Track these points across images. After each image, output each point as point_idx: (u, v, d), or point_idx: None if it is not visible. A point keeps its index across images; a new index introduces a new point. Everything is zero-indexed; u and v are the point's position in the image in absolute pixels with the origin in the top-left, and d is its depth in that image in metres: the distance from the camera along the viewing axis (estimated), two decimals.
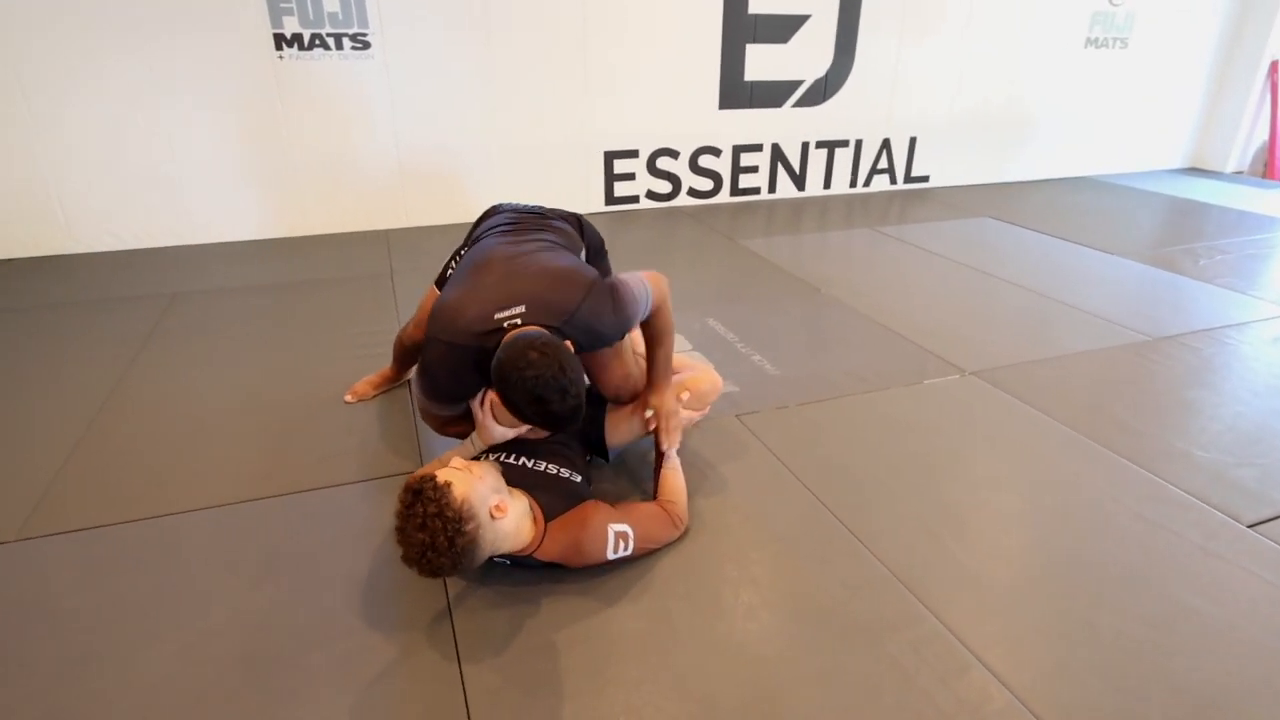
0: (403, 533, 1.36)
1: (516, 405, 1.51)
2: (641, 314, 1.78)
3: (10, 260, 3.83)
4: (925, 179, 5.82)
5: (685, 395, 1.96)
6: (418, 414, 2.32)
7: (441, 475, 1.41)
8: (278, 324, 3.10)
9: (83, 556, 1.73)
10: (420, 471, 1.55)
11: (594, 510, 1.63)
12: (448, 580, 1.65)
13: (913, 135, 5.60)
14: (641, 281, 1.77)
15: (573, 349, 1.62)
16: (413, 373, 2.13)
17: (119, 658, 1.45)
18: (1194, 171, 6.66)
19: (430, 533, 1.33)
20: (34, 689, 1.38)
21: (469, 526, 1.37)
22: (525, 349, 1.48)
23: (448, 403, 1.78)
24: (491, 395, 1.72)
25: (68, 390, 2.51)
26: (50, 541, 1.78)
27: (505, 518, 1.47)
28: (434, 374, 1.71)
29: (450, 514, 1.35)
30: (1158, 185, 6.04)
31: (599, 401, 1.98)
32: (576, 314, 1.64)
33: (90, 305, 3.27)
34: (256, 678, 1.41)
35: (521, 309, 1.60)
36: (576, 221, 2.11)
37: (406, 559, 1.38)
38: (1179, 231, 4.75)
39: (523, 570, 1.63)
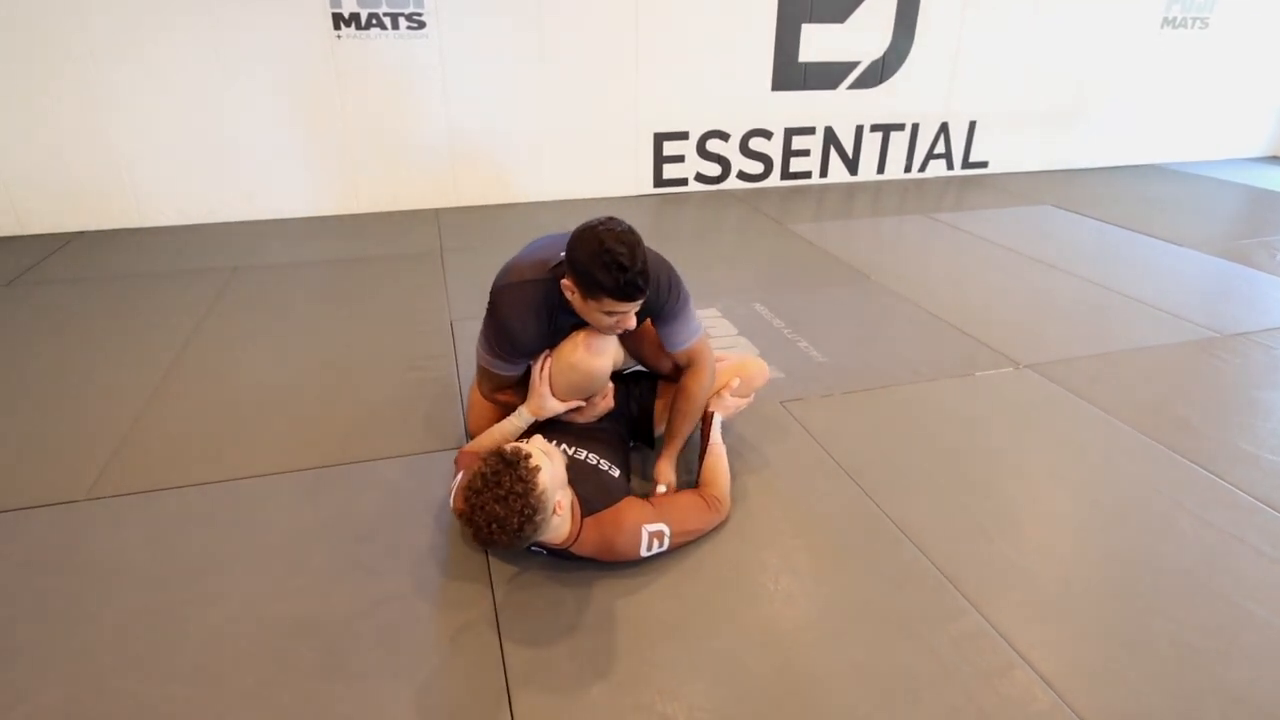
0: (479, 496, 1.35)
1: (582, 263, 1.52)
2: (694, 317, 1.80)
3: (83, 232, 4.01)
4: (984, 164, 5.63)
5: (736, 382, 1.96)
6: (466, 392, 2.36)
7: (536, 456, 1.40)
8: (333, 298, 3.18)
9: (146, 517, 1.81)
10: (501, 443, 1.61)
11: (629, 509, 1.62)
12: (491, 557, 1.68)
13: (972, 119, 5.43)
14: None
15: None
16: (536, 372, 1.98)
17: (178, 616, 1.51)
18: (1277, 160, 6.30)
19: (507, 508, 1.33)
20: (98, 641, 1.45)
21: (539, 517, 1.37)
22: (600, 219, 1.57)
23: (511, 355, 1.75)
24: (548, 362, 1.74)
25: (134, 358, 2.61)
26: (116, 502, 1.86)
27: (559, 516, 1.48)
28: (504, 320, 1.70)
29: (532, 499, 1.35)
30: (1235, 174, 5.74)
31: (648, 385, 2.00)
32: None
33: (156, 277, 3.40)
34: (305, 641, 1.46)
35: None
36: None
37: (469, 520, 1.36)
38: (1256, 223, 4.51)
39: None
